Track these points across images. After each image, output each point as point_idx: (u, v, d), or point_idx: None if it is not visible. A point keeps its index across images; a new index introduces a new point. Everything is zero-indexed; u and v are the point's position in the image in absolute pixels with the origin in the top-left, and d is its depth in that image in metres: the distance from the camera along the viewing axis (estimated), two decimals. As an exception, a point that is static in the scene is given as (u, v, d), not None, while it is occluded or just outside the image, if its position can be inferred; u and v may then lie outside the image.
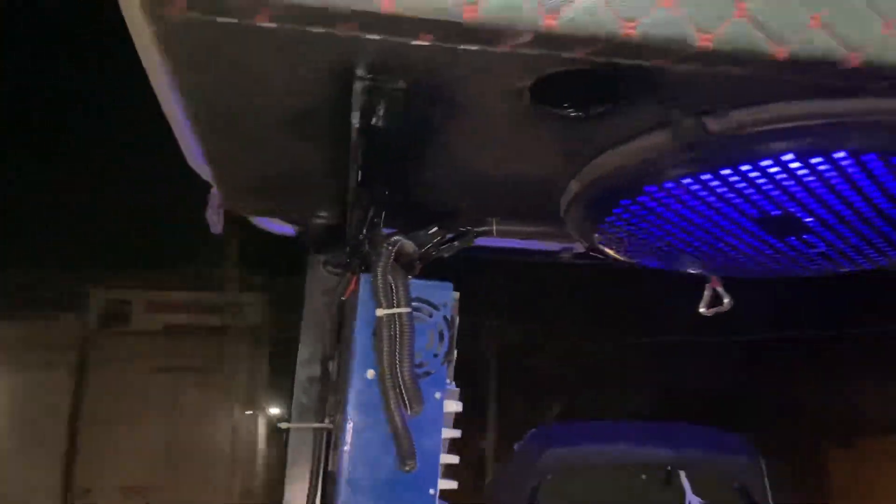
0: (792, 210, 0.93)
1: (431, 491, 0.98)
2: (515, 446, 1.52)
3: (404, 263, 1.07)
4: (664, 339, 9.25)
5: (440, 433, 1.00)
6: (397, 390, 0.97)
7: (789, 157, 0.82)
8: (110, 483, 8.68)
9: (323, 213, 1.19)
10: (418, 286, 1.03)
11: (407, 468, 0.97)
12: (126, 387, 8.98)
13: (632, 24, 0.71)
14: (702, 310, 1.42)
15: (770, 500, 1.37)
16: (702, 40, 0.72)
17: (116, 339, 9.47)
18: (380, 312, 0.98)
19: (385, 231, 1.09)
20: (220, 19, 0.70)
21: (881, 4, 0.74)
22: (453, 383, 1.05)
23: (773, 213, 0.94)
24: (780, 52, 0.72)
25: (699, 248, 1.05)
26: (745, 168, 0.84)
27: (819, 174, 0.85)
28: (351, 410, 0.99)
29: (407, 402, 0.97)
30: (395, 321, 0.98)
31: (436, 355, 1.02)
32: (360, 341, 1.01)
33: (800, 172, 0.84)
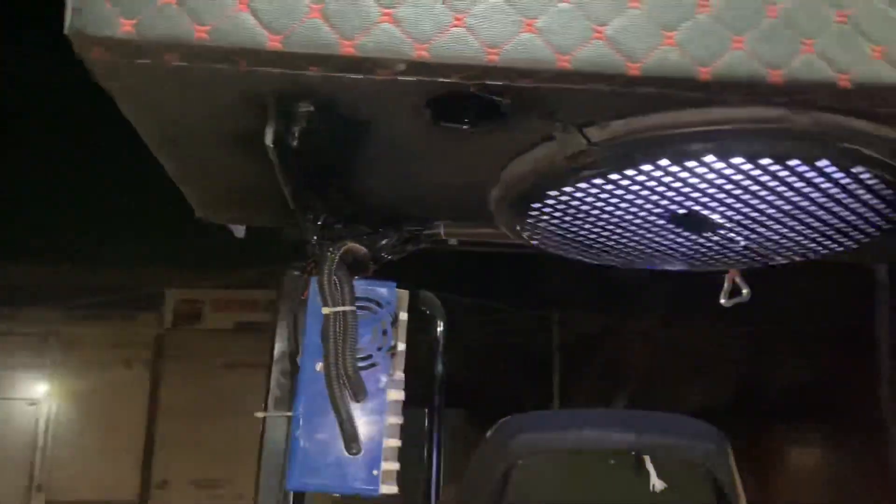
0: (696, 208, 1.00)
1: (375, 472, 1.08)
2: (487, 434, 1.60)
3: (356, 265, 1.18)
4: (746, 328, 9.12)
5: (383, 419, 1.10)
6: (341, 381, 1.07)
7: (665, 161, 0.89)
8: (184, 476, 8.99)
9: (285, 222, 1.29)
10: (364, 286, 1.13)
11: (352, 451, 1.08)
12: (198, 383, 9.26)
13: (495, 51, 0.79)
14: (722, 301, 1.48)
15: (738, 485, 1.42)
16: (560, 62, 0.80)
17: (189, 337, 9.78)
18: (325, 311, 1.08)
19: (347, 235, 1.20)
20: (137, 61, 0.81)
21: (731, 22, 0.81)
22: (398, 373, 1.14)
23: (678, 211, 1.01)
24: (635, 69, 0.80)
25: (626, 245, 1.13)
26: (630, 172, 0.92)
27: (700, 176, 0.91)
28: (301, 399, 1.10)
29: (350, 391, 1.07)
30: (340, 318, 1.08)
31: (380, 348, 1.12)
32: (309, 337, 1.11)
33: (682, 175, 0.91)
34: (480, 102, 0.87)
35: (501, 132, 0.94)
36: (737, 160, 0.88)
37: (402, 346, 1.16)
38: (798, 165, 0.89)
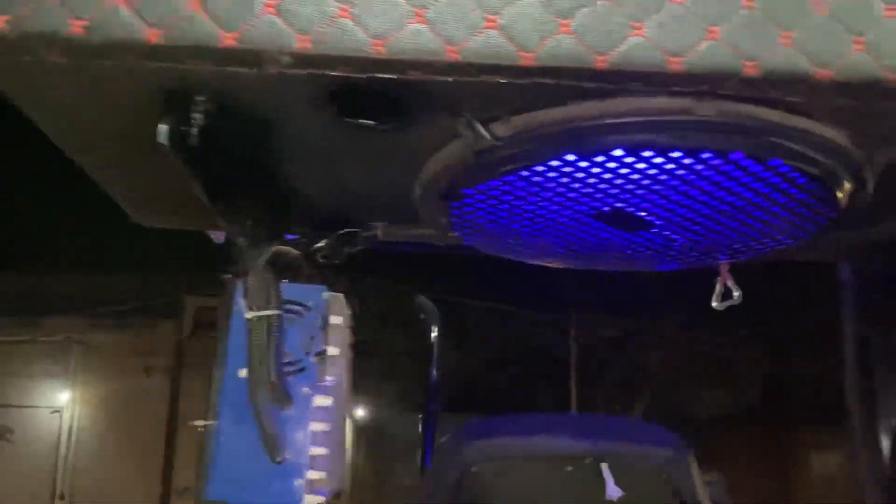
0: (619, 205, 0.96)
1: (299, 481, 1.05)
2: (441, 440, 1.57)
3: (288, 268, 1.15)
4: (766, 330, 9.01)
5: (308, 427, 1.07)
6: (265, 387, 1.04)
7: (572, 156, 0.86)
8: (204, 482, 9.01)
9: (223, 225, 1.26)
10: (292, 289, 1.11)
11: (275, 461, 1.05)
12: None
13: (382, 42, 0.76)
14: (714, 304, 1.46)
15: (699, 492, 1.38)
16: (450, 53, 0.77)
17: (209, 344, 9.78)
18: (248, 315, 1.06)
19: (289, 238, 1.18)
20: (18, 59, 0.79)
21: (631, 9, 0.77)
22: (328, 379, 1.11)
23: (603, 209, 0.97)
24: (528, 58, 0.77)
25: (559, 244, 1.09)
26: (540, 168, 0.88)
27: (614, 171, 0.88)
28: (224, 407, 1.08)
29: (274, 398, 1.05)
30: (265, 323, 1.06)
31: (308, 353, 1.09)
32: (233, 342, 1.09)
33: (594, 170, 0.88)
34: (383, 98, 0.84)
35: (414, 130, 0.91)
36: (646, 153, 0.84)
37: (334, 351, 1.13)
38: (711, 158, 0.85)
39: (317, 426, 1.08)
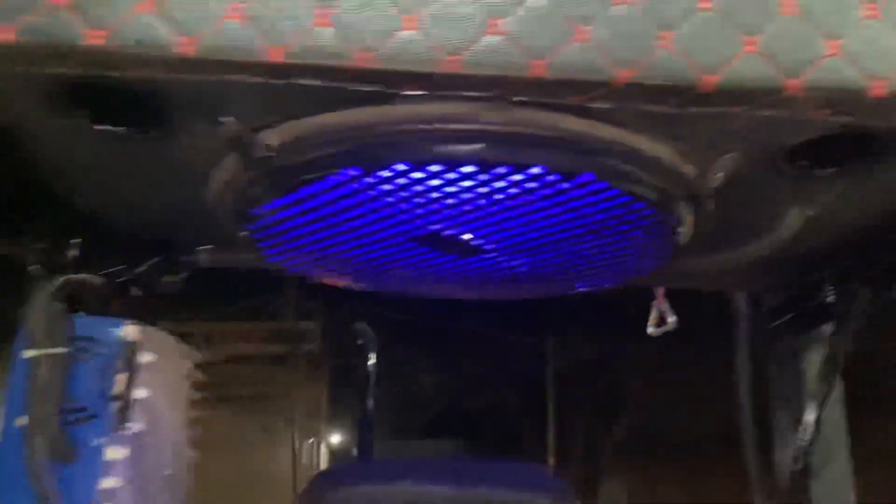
0: (436, 228, 0.83)
1: (82, 546, 0.92)
2: (300, 491, 1.42)
3: (91, 300, 1.02)
4: (756, 351, 8.86)
5: (96, 482, 0.93)
6: (44, 437, 0.91)
7: (355, 171, 0.73)
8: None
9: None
10: (86, 324, 0.97)
11: (53, 522, 0.91)
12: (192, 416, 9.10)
13: (101, 34, 0.64)
14: (650, 330, 1.38)
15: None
16: (183, 46, 0.64)
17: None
18: (27, 354, 0.92)
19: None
20: None
21: (402, 1, 0.64)
22: (131, 426, 0.98)
23: (419, 232, 0.84)
24: (278, 53, 0.64)
25: (384, 271, 0.96)
26: (325, 185, 0.75)
27: (407, 188, 0.75)
28: (1, 459, 0.94)
29: (55, 450, 0.91)
30: (47, 363, 0.92)
31: (101, 398, 0.96)
32: (13, 386, 0.95)
33: (384, 187, 0.75)
34: (133, 100, 0.71)
35: (184, 139, 0.78)
36: (433, 168, 0.71)
37: (142, 394, 0.99)
38: (510, 173, 0.72)
39: (109, 482, 0.94)
